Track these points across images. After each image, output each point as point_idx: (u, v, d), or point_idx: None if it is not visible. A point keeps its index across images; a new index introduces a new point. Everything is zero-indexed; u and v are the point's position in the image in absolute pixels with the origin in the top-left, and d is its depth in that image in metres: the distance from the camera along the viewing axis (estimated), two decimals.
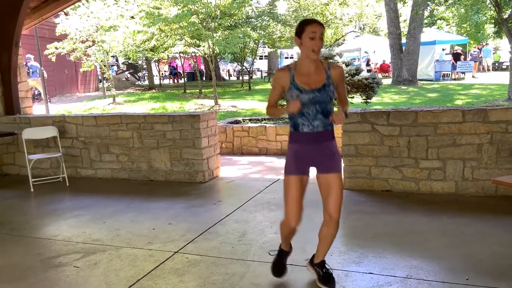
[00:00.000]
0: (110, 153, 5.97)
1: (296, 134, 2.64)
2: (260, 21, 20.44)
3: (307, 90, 2.54)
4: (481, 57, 24.10)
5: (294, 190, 2.63)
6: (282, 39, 23.18)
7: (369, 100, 7.95)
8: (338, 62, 7.70)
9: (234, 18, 14.50)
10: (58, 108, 15.40)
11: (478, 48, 25.07)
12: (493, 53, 27.45)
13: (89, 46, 15.64)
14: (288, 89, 2.59)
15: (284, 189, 2.67)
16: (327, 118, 2.57)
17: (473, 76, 21.57)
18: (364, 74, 7.70)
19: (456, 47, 24.12)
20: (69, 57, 16.28)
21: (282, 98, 2.79)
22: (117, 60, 27.70)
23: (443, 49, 24.38)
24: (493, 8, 12.09)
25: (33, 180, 5.66)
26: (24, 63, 15.09)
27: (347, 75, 7.38)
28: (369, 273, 2.93)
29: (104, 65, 16.92)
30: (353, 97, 8.16)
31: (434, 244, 3.36)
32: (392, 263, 3.05)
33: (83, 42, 15.55)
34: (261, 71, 32.68)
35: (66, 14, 15.54)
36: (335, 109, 2.66)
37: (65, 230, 4.10)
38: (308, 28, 2.52)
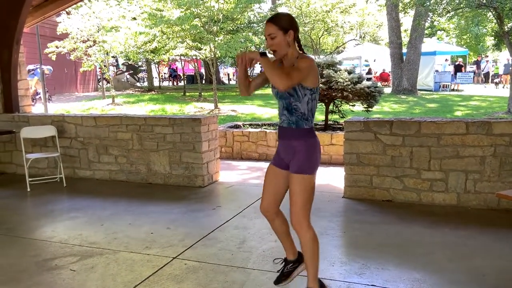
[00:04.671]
0: (108, 154, 5.91)
1: None
2: (262, 26, 20.46)
3: None
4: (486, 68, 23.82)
5: (266, 178, 2.71)
6: None
7: (370, 109, 7.91)
8: (340, 70, 7.65)
9: (236, 22, 14.46)
10: (57, 107, 15.32)
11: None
12: (492, 65, 27.56)
13: (90, 46, 15.60)
14: None
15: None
16: (291, 115, 2.54)
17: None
18: (366, 82, 7.64)
19: (459, 59, 24.18)
20: (69, 57, 16.24)
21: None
22: (116, 61, 27.66)
23: (446, 60, 24.46)
24: (495, 21, 12.14)
25: (30, 179, 5.58)
26: (34, 68, 14.93)
27: (349, 82, 7.32)
28: (372, 285, 2.88)
29: (104, 65, 16.88)
30: (354, 105, 8.12)
31: (437, 256, 3.32)
32: (395, 276, 3.00)
33: (84, 41, 15.52)
34: None
35: (68, 13, 15.52)
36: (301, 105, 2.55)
37: (62, 232, 4.03)
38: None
